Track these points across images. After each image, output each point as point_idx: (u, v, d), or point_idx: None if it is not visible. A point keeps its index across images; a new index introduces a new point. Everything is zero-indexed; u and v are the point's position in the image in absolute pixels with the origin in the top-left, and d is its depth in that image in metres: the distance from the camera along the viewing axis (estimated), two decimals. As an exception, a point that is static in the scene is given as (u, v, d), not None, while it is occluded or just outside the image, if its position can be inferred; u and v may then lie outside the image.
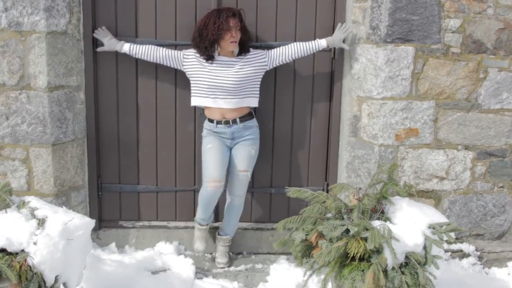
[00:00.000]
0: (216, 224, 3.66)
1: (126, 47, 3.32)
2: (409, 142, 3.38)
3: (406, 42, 3.24)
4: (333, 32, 3.47)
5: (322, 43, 3.32)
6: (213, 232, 3.61)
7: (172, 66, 3.33)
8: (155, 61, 3.33)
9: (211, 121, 3.28)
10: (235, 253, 3.64)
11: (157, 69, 3.53)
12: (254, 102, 3.31)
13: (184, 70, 3.31)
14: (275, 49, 3.31)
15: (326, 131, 3.66)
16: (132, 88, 3.56)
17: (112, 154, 3.64)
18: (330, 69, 3.58)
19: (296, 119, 3.64)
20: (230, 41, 3.14)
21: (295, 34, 3.52)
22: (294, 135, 3.67)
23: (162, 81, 3.55)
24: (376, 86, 3.30)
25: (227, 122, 3.24)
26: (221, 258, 3.48)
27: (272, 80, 3.57)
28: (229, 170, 3.34)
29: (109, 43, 3.34)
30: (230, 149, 3.32)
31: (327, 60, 3.56)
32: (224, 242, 3.49)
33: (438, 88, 3.31)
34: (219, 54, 3.21)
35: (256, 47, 3.42)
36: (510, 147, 3.45)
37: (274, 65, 3.33)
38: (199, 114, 3.53)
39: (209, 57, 3.20)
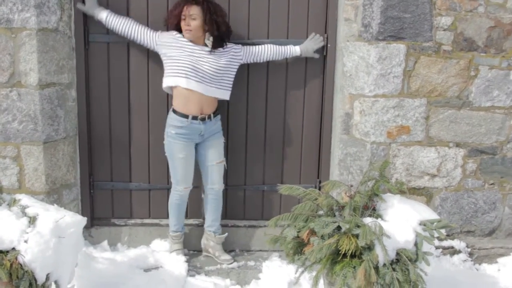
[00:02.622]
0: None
1: (103, 14, 3.25)
2: (400, 139, 3.39)
3: (398, 40, 3.25)
4: (325, 30, 3.48)
5: (296, 50, 3.40)
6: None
7: (145, 45, 3.28)
8: (129, 37, 3.26)
9: (184, 116, 3.20)
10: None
11: (149, 66, 3.52)
12: (226, 95, 3.32)
13: (158, 50, 3.24)
14: (252, 47, 3.36)
15: (318, 128, 3.67)
16: (124, 85, 3.55)
17: (104, 152, 3.63)
18: (322, 67, 3.59)
19: (288, 116, 3.65)
20: (185, 29, 3.14)
21: (287, 32, 3.52)
22: (286, 133, 3.67)
23: (154, 78, 3.54)
24: (368, 83, 3.31)
25: (203, 119, 3.22)
26: (224, 255, 3.50)
27: (264, 77, 3.57)
28: (204, 164, 3.37)
29: (90, 3, 3.26)
30: (197, 144, 3.33)
31: (319, 58, 3.56)
32: (221, 239, 3.51)
33: (430, 86, 3.33)
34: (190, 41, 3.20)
35: (248, 44, 3.42)
36: (501, 144, 3.47)
37: (248, 61, 3.38)
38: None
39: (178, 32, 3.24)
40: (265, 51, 3.37)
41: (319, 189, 3.58)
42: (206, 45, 3.19)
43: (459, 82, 3.34)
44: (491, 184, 3.53)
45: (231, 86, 3.33)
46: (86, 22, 3.42)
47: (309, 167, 3.73)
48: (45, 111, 3.25)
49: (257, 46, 3.37)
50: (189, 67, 3.14)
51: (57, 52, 3.29)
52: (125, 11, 3.42)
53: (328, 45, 3.52)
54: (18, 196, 2.71)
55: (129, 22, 3.26)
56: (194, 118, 3.20)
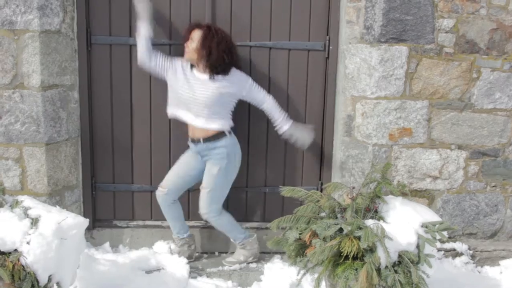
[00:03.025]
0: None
1: (144, 31, 3.20)
2: (402, 141, 3.39)
3: (400, 42, 3.25)
4: (327, 33, 3.49)
5: (285, 126, 3.32)
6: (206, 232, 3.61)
7: (160, 75, 3.31)
8: (150, 62, 3.25)
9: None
10: (229, 252, 3.65)
11: (151, 68, 3.53)
12: (222, 125, 3.24)
13: (166, 78, 3.29)
14: (257, 90, 3.28)
15: (320, 130, 3.67)
16: (127, 87, 3.55)
17: (106, 154, 3.63)
18: (324, 69, 3.59)
19: (290, 118, 3.64)
20: (184, 50, 3.19)
21: (289, 34, 3.53)
22: (288, 135, 3.67)
23: (156, 80, 3.54)
24: (370, 85, 3.31)
25: (193, 140, 3.29)
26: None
27: (266, 79, 3.57)
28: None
29: (145, 9, 3.20)
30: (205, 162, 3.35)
31: (321, 60, 3.57)
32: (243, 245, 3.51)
33: (432, 88, 3.33)
34: (192, 67, 3.23)
35: (250, 47, 3.42)
36: (503, 146, 3.47)
37: (247, 100, 3.32)
38: None
39: (192, 66, 3.26)
40: (264, 103, 3.30)
41: (321, 191, 3.57)
42: (206, 72, 3.20)
43: (461, 84, 3.34)
44: (493, 186, 3.53)
45: (224, 117, 3.25)
46: (89, 24, 3.43)
47: (311, 169, 3.73)
48: (47, 112, 3.26)
49: (261, 94, 3.28)
50: (179, 96, 3.22)
51: (60, 54, 3.30)
52: (127, 35, 3.44)
53: (330, 47, 3.52)
54: (20, 197, 2.72)
55: (156, 52, 3.28)
56: (191, 139, 3.31)
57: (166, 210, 3.43)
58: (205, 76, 3.19)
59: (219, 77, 3.18)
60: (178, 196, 3.43)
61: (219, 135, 3.23)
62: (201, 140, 3.24)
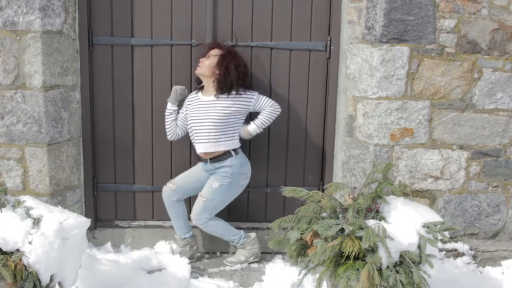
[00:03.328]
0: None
1: (172, 111, 3.42)
2: (404, 141, 3.39)
3: (401, 42, 3.25)
4: (328, 33, 3.49)
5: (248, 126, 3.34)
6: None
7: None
8: (179, 136, 3.48)
9: None
10: (231, 253, 3.65)
11: (153, 68, 3.53)
12: (229, 146, 3.28)
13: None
14: (263, 103, 3.29)
15: (322, 130, 3.68)
16: (128, 87, 3.56)
17: (107, 154, 3.64)
18: (325, 69, 3.59)
19: (292, 119, 3.65)
20: (198, 65, 3.28)
21: (290, 34, 3.53)
22: (290, 135, 3.68)
23: (158, 80, 3.55)
24: (371, 86, 3.31)
25: (201, 160, 3.40)
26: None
27: (267, 80, 3.57)
28: None
29: (177, 100, 3.41)
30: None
31: (322, 60, 3.57)
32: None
33: (433, 88, 3.33)
34: (198, 92, 3.37)
35: (252, 47, 3.42)
36: (504, 146, 3.47)
37: (255, 111, 3.34)
38: None
39: (198, 89, 3.42)
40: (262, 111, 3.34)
41: (323, 191, 3.56)
42: (213, 92, 3.27)
43: (463, 84, 3.34)
44: (495, 186, 3.53)
45: (232, 137, 3.29)
46: (90, 25, 3.44)
47: (312, 169, 3.74)
48: (49, 113, 3.27)
49: (265, 105, 3.30)
50: (191, 126, 3.33)
51: (62, 54, 3.31)
52: (129, 36, 3.44)
53: (332, 47, 3.52)
54: (22, 197, 2.72)
55: (179, 122, 3.46)
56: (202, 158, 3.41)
57: (170, 207, 3.45)
58: (211, 97, 3.27)
59: (226, 96, 3.24)
60: (183, 197, 3.48)
61: (225, 155, 3.29)
62: (208, 161, 3.31)
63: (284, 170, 3.73)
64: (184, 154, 3.66)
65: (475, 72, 3.34)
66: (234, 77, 3.21)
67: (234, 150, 3.31)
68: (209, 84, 3.29)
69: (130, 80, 3.55)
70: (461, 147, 3.44)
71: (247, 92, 3.29)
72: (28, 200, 2.69)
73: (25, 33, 3.15)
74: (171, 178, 3.66)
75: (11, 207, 2.63)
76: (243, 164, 3.35)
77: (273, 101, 3.32)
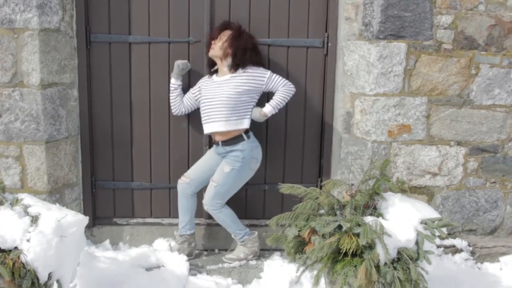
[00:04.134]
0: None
1: (176, 86, 3.44)
2: (402, 138, 3.39)
3: (398, 38, 3.25)
4: (326, 30, 3.49)
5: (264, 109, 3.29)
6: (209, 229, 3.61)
7: (197, 105, 3.47)
8: (183, 112, 3.50)
9: None
10: (229, 250, 3.65)
11: (151, 66, 3.53)
12: (240, 127, 3.27)
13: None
14: (276, 82, 3.25)
15: (319, 127, 3.68)
16: (126, 85, 3.56)
17: (106, 151, 3.64)
18: (323, 66, 3.59)
19: (290, 116, 3.65)
20: (211, 47, 3.30)
21: (288, 31, 3.53)
22: (288, 132, 3.68)
23: (155, 78, 3.55)
24: (368, 82, 3.31)
25: (214, 142, 3.40)
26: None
27: (265, 77, 3.57)
28: None
29: (183, 69, 3.43)
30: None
31: (320, 57, 3.57)
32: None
33: (431, 84, 3.33)
34: (212, 74, 3.37)
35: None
36: (502, 142, 3.47)
37: (268, 90, 3.32)
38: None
39: (211, 73, 3.39)
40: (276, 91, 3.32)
41: (320, 188, 3.58)
42: (227, 71, 3.28)
43: (460, 80, 3.34)
44: (493, 182, 3.53)
45: (243, 117, 3.27)
46: (88, 22, 3.43)
47: (310, 166, 3.74)
48: (47, 110, 3.27)
49: (279, 84, 3.26)
50: (204, 106, 3.32)
51: (59, 52, 3.30)
52: (127, 33, 3.43)
53: (329, 44, 3.52)
54: (20, 195, 2.73)
55: (183, 96, 3.49)
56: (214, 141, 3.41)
57: (183, 200, 3.46)
58: (225, 77, 3.27)
59: (241, 73, 3.24)
60: (198, 189, 3.47)
61: (237, 139, 3.28)
62: (220, 143, 3.31)
63: (282, 167, 3.73)
64: (182, 151, 3.66)
65: (472, 68, 3.34)
66: (247, 54, 3.24)
67: (246, 134, 3.31)
68: (222, 65, 3.29)
69: (128, 78, 3.55)
70: (459, 143, 3.44)
71: (260, 69, 3.29)
72: (26, 198, 2.69)
73: (22, 31, 3.15)
74: (169, 175, 3.67)
75: (9, 205, 2.64)
76: (254, 148, 3.34)
77: (287, 80, 3.30)
